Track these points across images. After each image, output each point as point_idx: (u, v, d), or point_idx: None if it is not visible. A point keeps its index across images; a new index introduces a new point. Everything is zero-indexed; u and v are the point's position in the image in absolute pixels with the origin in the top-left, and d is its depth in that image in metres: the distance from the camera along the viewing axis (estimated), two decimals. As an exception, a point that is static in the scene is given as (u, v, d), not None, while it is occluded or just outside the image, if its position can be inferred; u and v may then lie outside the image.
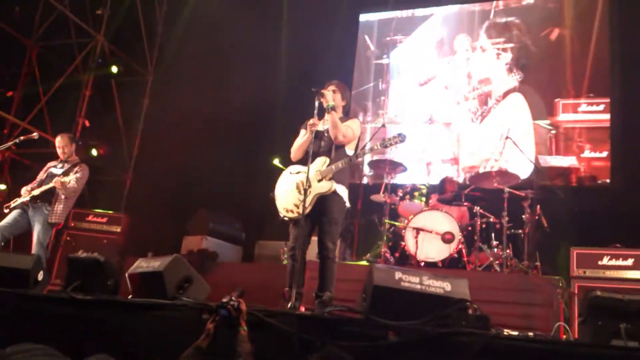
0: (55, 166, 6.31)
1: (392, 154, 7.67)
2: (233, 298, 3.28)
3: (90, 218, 7.84)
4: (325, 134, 4.77)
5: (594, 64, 8.24)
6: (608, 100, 8.04)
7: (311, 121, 4.69)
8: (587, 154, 8.01)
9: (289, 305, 4.18)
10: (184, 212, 8.49)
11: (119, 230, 7.77)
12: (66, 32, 9.42)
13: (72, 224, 7.73)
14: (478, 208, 6.76)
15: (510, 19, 8.86)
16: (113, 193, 9.48)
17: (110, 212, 8.09)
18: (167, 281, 3.99)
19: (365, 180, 7.51)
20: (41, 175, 6.29)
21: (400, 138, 4.64)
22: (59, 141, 6.37)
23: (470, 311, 3.24)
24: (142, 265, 4.31)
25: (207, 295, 4.23)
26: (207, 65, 9.55)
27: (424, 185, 7.39)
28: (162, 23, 10.53)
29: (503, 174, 6.82)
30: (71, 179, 5.99)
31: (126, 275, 4.38)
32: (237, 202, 8.81)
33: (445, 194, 7.10)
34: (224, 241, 7.96)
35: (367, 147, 4.91)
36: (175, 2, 10.47)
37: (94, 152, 9.36)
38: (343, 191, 4.70)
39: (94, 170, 8.66)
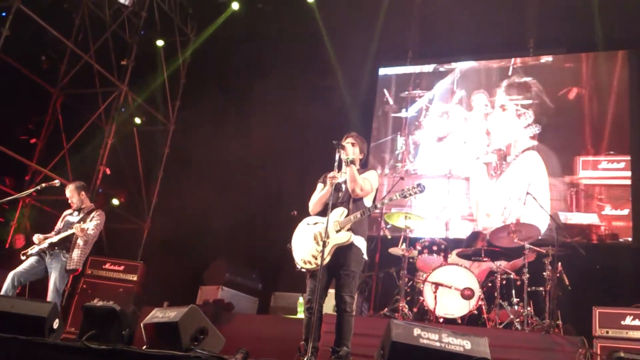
0: (71, 214, 6.35)
1: (410, 207, 7.65)
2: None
3: (107, 266, 7.84)
4: (343, 186, 4.77)
5: (613, 122, 8.24)
6: (628, 158, 8.00)
7: (331, 174, 4.70)
8: (608, 211, 7.92)
9: (305, 359, 4.11)
10: (201, 262, 8.48)
11: (135, 279, 7.75)
12: (91, 81, 9.65)
13: (89, 272, 7.73)
14: (498, 264, 6.66)
15: (528, 78, 8.93)
16: (130, 241, 9.52)
17: (127, 260, 8.08)
18: (182, 332, 3.97)
19: (383, 233, 7.45)
20: (59, 225, 6.33)
21: (420, 188, 4.60)
22: (66, 192, 6.42)
23: (492, 371, 3.16)
24: (158, 315, 4.29)
25: (222, 348, 4.19)
26: (229, 116, 9.73)
27: (443, 239, 7.33)
28: (185, 74, 10.79)
29: (523, 227, 6.73)
30: (90, 226, 6.03)
31: (141, 325, 4.35)
32: (254, 253, 8.79)
33: (474, 247, 7.01)
34: (240, 292, 7.91)
35: (386, 197, 4.86)
36: (198, 54, 10.74)
37: (115, 201, 9.47)
38: (362, 243, 4.67)
39: (113, 218, 8.75)
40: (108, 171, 9.39)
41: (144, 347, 4.18)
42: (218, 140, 9.63)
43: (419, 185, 4.62)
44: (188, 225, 9.33)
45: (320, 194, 4.85)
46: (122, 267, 7.84)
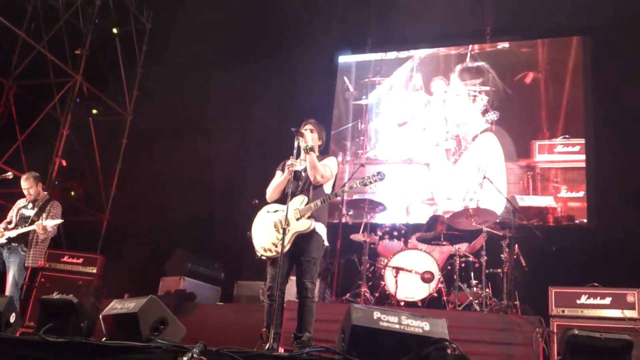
0: (25, 206, 6.21)
1: (372, 193, 7.70)
2: (195, 355, 3.19)
3: (65, 259, 7.70)
4: (303, 174, 4.77)
5: (568, 106, 8.43)
6: (583, 141, 8.20)
7: (289, 161, 4.69)
8: (563, 194, 8.12)
9: (267, 346, 4.12)
10: (162, 253, 8.39)
11: (94, 271, 7.63)
12: (44, 71, 9.40)
13: (47, 265, 7.57)
14: (457, 247, 6.77)
15: (484, 63, 9.06)
16: (89, 233, 9.34)
17: (86, 252, 7.94)
18: (142, 323, 3.93)
19: (344, 220, 7.49)
20: (13, 216, 6.19)
21: (380, 176, 4.62)
22: (23, 183, 6.26)
23: (449, 351, 3.22)
24: (117, 306, 4.24)
25: (182, 337, 4.16)
26: (187, 104, 9.60)
27: (404, 225, 7.41)
28: (142, 63, 10.59)
29: (481, 212, 6.88)
30: (49, 224, 5.91)
31: (100, 317, 4.30)
32: (216, 242, 8.74)
33: (434, 232, 7.09)
34: (202, 282, 7.85)
35: (346, 185, 4.88)
36: (156, 43, 10.55)
37: (73, 193, 9.28)
38: (322, 230, 4.69)
39: (71, 211, 8.58)
40: (64, 163, 9.17)
41: (103, 339, 4.13)
42: (177, 130, 9.51)
43: (379, 173, 4.63)
44: (148, 217, 9.22)
45: (278, 180, 4.85)
46: (80, 260, 7.71)
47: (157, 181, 9.25)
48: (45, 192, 6.44)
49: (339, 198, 5.81)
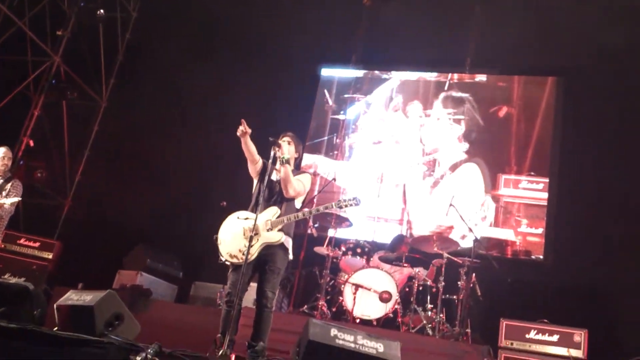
0: None
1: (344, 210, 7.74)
2: (149, 356, 3.18)
3: (21, 241, 7.53)
4: (277, 184, 4.80)
5: (537, 144, 8.65)
6: (547, 180, 8.41)
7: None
8: (523, 228, 8.31)
9: (220, 352, 4.11)
10: (121, 245, 8.27)
11: (50, 257, 7.49)
12: (22, 49, 9.23)
13: (3, 246, 7.40)
14: (417, 270, 6.87)
15: (463, 94, 9.23)
16: (49, 218, 9.16)
17: (44, 237, 7.79)
18: (97, 317, 3.91)
19: (310, 231, 7.53)
20: None
21: (355, 201, 4.73)
22: (5, 152, 6.17)
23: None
24: (73, 297, 4.21)
25: (136, 335, 4.14)
26: (163, 100, 9.53)
27: (368, 242, 7.46)
28: (123, 52, 10.47)
29: (444, 239, 7.02)
30: (7, 202, 5.80)
31: (55, 305, 4.25)
32: (177, 240, 8.65)
33: (397, 252, 7.16)
34: (159, 279, 7.77)
35: (322, 206, 4.93)
36: (140, 33, 10.45)
37: (39, 174, 9.11)
38: (289, 243, 4.74)
39: (32, 193, 8.43)
40: (32, 143, 9.01)
41: (56, 328, 4.08)
42: (151, 124, 9.43)
43: (354, 198, 4.75)
44: (111, 208, 9.10)
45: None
46: (37, 244, 7.55)
47: (124, 172, 9.16)
48: (8, 172, 6.32)
49: (312, 215, 5.80)
